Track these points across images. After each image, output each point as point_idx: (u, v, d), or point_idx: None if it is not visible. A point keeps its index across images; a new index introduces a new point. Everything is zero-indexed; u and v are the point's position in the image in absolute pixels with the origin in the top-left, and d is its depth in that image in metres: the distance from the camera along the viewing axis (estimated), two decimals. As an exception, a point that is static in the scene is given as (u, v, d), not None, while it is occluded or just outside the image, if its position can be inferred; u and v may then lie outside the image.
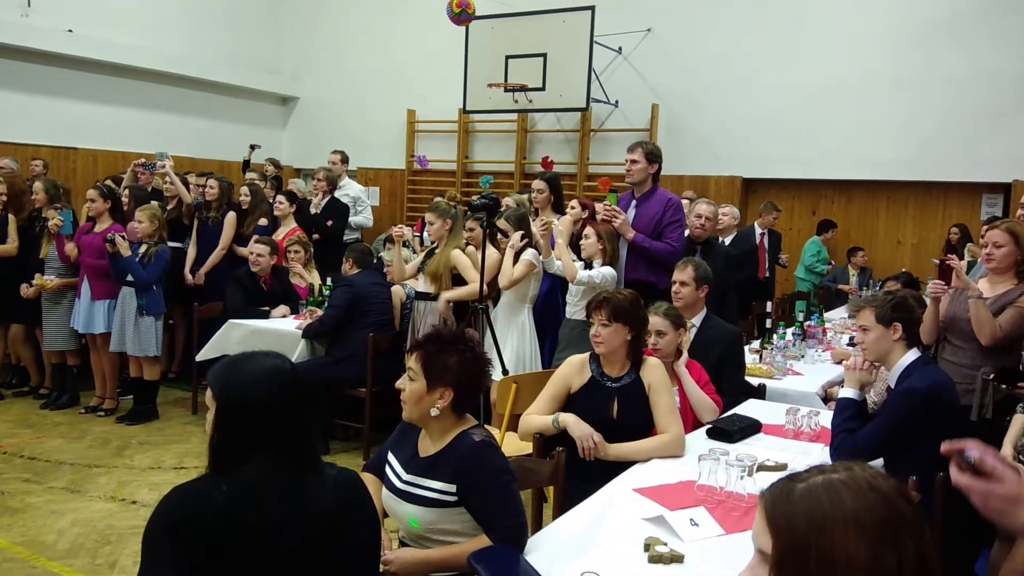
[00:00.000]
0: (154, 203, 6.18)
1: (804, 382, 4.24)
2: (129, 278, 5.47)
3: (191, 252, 6.56)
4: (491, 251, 5.05)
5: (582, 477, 2.69)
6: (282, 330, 5.37)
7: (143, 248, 5.49)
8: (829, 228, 8.48)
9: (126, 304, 5.51)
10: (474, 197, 5.14)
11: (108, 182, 6.87)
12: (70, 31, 9.01)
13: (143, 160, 7.16)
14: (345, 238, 7.27)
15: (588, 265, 4.66)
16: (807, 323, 5.31)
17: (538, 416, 2.98)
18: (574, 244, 5.01)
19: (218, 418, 1.66)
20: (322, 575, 1.70)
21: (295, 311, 5.76)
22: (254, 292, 5.81)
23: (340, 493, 1.75)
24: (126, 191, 6.54)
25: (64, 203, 5.96)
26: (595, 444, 2.80)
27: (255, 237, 6.10)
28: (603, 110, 9.38)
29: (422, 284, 5.28)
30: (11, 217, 5.97)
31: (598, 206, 4.82)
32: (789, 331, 4.91)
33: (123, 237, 5.42)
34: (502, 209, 5.25)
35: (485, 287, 4.75)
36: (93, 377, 5.89)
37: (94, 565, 3.58)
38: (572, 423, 2.86)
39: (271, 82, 11.59)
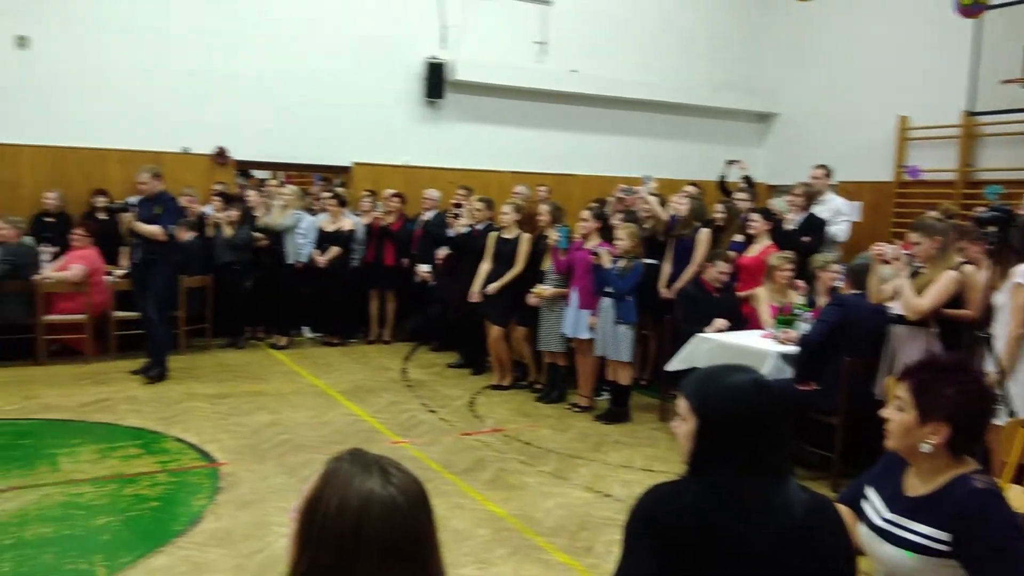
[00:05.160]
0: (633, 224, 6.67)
1: None
2: (608, 289, 5.98)
3: (666, 268, 6.89)
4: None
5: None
6: (749, 347, 5.33)
7: (621, 263, 5.96)
8: None
9: (606, 313, 6.01)
10: (979, 209, 4.47)
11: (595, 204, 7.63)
12: (574, 71, 10.24)
13: (624, 185, 7.81)
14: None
15: None
16: None
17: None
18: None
19: (696, 427, 1.69)
20: None
21: (736, 327, 5.80)
22: (703, 304, 6.00)
23: (812, 515, 1.66)
24: (617, 215, 7.20)
25: (563, 222, 6.75)
26: None
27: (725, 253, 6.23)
28: None
29: (899, 308, 4.76)
30: (523, 237, 6.92)
31: None
32: None
33: (607, 251, 5.95)
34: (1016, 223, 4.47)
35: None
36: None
37: (573, 546, 3.95)
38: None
39: (749, 101, 11.75)
